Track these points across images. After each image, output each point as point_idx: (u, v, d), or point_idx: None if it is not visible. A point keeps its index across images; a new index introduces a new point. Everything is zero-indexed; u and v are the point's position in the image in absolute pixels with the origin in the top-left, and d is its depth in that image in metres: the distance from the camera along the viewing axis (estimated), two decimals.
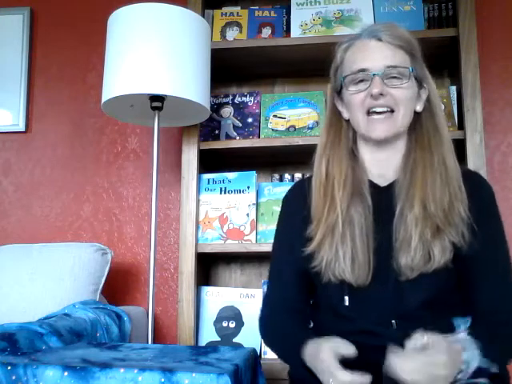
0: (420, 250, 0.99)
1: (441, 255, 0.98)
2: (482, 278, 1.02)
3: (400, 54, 1.06)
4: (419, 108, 1.09)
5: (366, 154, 1.11)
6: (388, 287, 1.01)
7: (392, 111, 1.05)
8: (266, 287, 1.21)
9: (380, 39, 1.06)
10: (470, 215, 1.01)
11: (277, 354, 1.12)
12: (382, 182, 1.10)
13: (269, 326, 1.14)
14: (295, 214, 1.13)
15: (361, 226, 1.03)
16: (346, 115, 1.12)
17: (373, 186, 1.09)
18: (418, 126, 1.09)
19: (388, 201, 1.05)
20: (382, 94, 1.03)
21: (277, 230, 1.20)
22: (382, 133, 1.05)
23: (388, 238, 1.03)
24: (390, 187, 1.08)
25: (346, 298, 1.03)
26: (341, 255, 1.02)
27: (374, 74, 1.03)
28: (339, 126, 1.13)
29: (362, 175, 1.09)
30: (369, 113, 1.05)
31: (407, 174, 1.06)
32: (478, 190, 1.06)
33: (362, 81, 1.06)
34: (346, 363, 0.89)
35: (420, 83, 1.09)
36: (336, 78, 1.13)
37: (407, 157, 1.08)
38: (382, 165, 1.11)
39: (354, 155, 1.12)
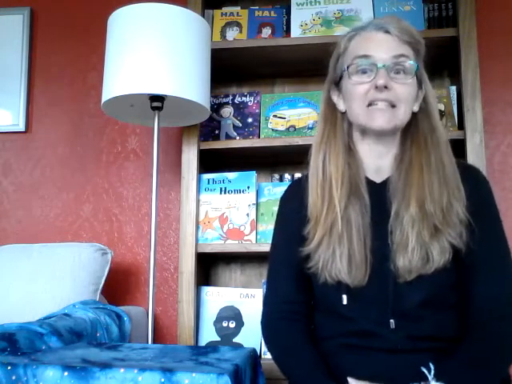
0: (418, 251, 0.97)
1: (440, 257, 0.97)
2: (481, 274, 1.01)
3: (406, 48, 1.03)
4: (416, 108, 1.07)
5: (363, 147, 1.09)
6: (386, 287, 1.00)
7: (393, 106, 1.02)
8: (265, 287, 1.20)
9: (388, 32, 1.03)
10: (467, 214, 0.99)
11: (276, 363, 1.08)
12: (378, 179, 1.08)
13: (270, 335, 1.12)
14: (292, 214, 1.12)
15: (358, 225, 1.02)
16: (341, 107, 1.09)
17: (369, 182, 1.07)
18: (414, 127, 1.07)
19: (383, 199, 1.04)
20: (386, 87, 1.00)
21: (274, 231, 1.18)
22: (382, 123, 1.02)
23: (385, 238, 1.01)
24: (385, 184, 1.06)
25: (344, 296, 1.02)
26: (337, 255, 1.00)
27: (379, 67, 1.01)
28: (334, 118, 1.11)
29: (358, 171, 1.07)
30: (370, 105, 1.02)
31: (402, 174, 1.04)
32: (476, 184, 1.05)
33: (365, 72, 1.03)
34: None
35: (419, 83, 1.07)
36: (336, 67, 1.10)
37: (401, 156, 1.07)
38: (379, 159, 1.08)
39: (350, 150, 1.09)
